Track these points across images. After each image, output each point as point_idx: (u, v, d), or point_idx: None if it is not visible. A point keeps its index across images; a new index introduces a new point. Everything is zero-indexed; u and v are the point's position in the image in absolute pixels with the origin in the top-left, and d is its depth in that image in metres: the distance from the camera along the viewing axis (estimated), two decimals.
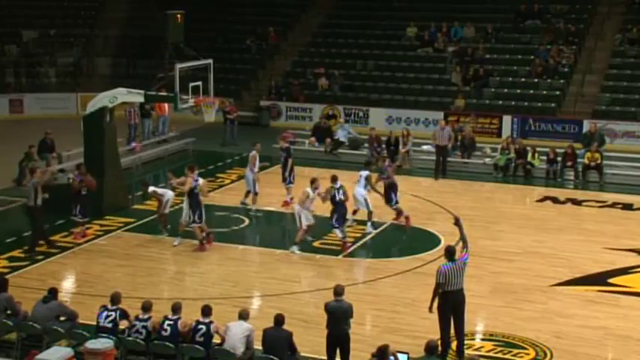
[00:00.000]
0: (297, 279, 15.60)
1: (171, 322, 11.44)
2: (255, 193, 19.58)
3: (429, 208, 20.38)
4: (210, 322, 11.40)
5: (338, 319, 11.28)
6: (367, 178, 18.43)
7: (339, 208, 17.01)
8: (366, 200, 18.17)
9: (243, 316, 11.47)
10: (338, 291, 11.46)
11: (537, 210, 20.69)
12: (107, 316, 11.63)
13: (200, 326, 11.36)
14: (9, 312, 12.28)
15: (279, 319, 11.20)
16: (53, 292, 12.33)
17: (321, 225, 19.06)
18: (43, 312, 12.02)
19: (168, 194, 18.08)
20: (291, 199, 19.69)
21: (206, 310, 11.50)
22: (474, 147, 25.18)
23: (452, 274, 11.81)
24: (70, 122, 25.34)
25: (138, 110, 26.23)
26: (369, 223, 18.22)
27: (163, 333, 11.39)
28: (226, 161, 25.35)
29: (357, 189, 18.30)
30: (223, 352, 11.16)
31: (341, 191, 17.07)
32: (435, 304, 11.97)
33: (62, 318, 12.16)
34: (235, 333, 11.25)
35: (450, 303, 11.89)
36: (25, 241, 17.51)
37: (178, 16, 20.41)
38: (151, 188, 18.28)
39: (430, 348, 10.17)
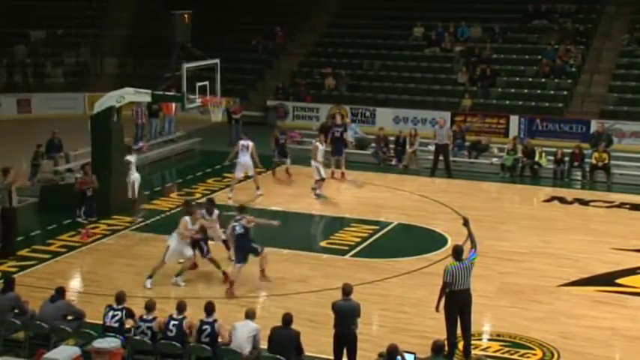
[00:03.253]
0: (304, 279, 15.59)
1: (177, 323, 11.44)
2: (322, 179, 21.04)
3: (436, 208, 20.36)
4: (215, 321, 11.39)
5: (345, 318, 11.26)
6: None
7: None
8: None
9: (250, 315, 11.46)
10: (346, 290, 11.43)
11: (544, 210, 20.66)
12: (113, 316, 11.65)
13: (205, 326, 11.35)
14: (16, 311, 12.33)
15: (287, 319, 11.18)
16: (60, 292, 12.37)
17: (327, 225, 19.15)
18: (50, 311, 12.05)
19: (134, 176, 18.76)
20: (342, 174, 22.76)
21: (209, 309, 11.48)
22: (485, 151, 25.08)
23: (459, 273, 11.80)
24: (77, 122, 25.39)
25: (145, 110, 26.28)
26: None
27: (169, 334, 11.39)
28: (233, 161, 25.33)
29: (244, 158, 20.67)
30: (230, 352, 11.16)
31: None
32: (442, 304, 11.96)
33: (69, 317, 12.20)
34: (242, 332, 11.26)
35: (456, 303, 11.88)
36: (34, 240, 17.60)
37: (185, 15, 20.44)
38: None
39: (437, 348, 10.16)
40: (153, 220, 19.17)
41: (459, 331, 12.03)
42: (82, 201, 17.76)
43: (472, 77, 30.17)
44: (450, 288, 11.85)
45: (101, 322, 11.81)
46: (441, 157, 23.67)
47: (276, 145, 23.74)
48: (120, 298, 11.84)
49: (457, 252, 12.03)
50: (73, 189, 18.15)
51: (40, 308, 12.29)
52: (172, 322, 11.44)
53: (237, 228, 14.76)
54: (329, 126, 23.55)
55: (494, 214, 20.05)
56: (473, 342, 12.31)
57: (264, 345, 11.30)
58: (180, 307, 11.63)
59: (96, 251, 17.12)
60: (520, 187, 23.04)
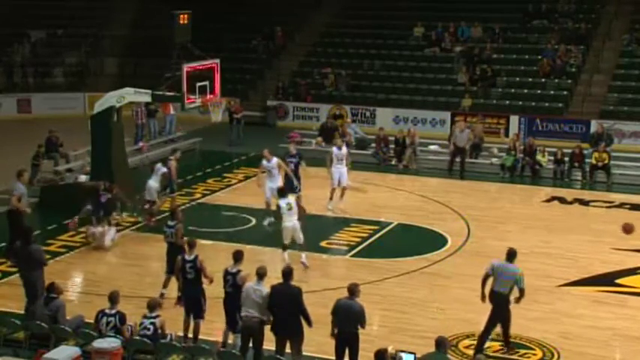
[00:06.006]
0: (304, 279, 15.57)
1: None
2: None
3: (436, 208, 20.37)
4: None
5: (343, 317, 11.14)
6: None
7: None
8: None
9: (261, 274, 11.48)
10: (351, 289, 11.31)
11: (545, 210, 20.65)
12: (107, 323, 11.54)
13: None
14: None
15: (285, 273, 11.32)
16: (52, 289, 12.27)
17: (328, 225, 19.14)
18: (41, 314, 12.03)
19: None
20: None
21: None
22: (480, 147, 25.11)
23: (499, 271, 12.08)
24: (77, 122, 25.40)
25: (145, 110, 26.29)
26: None
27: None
28: (233, 161, 25.39)
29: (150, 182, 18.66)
30: (228, 354, 11.17)
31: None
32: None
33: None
34: (249, 295, 11.35)
35: (491, 301, 12.06)
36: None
37: (185, 16, 20.45)
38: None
39: (437, 344, 10.12)
40: (153, 220, 19.14)
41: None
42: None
43: (472, 77, 30.17)
44: (492, 285, 12.06)
45: None
46: (457, 159, 23.68)
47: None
48: (114, 298, 11.74)
49: (509, 254, 12.31)
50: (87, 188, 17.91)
51: (36, 306, 12.32)
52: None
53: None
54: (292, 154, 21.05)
55: (494, 214, 20.07)
56: (473, 342, 12.33)
57: None
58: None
59: (96, 251, 17.11)
60: (520, 187, 23.04)
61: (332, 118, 28.78)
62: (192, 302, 12.40)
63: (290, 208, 15.81)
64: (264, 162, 18.49)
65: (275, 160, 18.31)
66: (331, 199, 19.67)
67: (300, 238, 15.91)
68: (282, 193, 16.19)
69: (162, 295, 13.81)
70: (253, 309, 11.30)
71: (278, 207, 16.14)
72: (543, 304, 14.35)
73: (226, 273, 11.96)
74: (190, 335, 12.42)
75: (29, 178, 21.51)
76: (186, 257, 12.52)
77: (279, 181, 18.19)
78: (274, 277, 15.36)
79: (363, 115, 29.86)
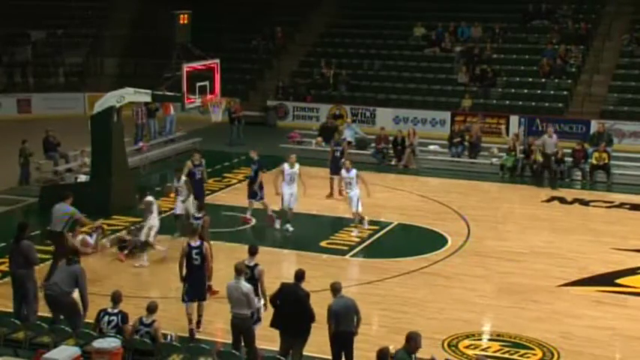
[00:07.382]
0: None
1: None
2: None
3: (436, 208, 20.37)
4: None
5: (344, 317, 11.07)
6: None
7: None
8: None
9: (238, 270, 11.56)
10: (337, 287, 11.31)
11: (545, 210, 20.65)
12: (109, 322, 11.54)
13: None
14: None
15: (297, 274, 11.39)
16: (77, 255, 12.81)
17: (328, 225, 19.14)
18: (64, 275, 12.29)
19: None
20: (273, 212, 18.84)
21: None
22: (478, 146, 25.11)
23: None
24: (77, 122, 25.38)
25: (145, 110, 26.28)
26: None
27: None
28: (233, 161, 25.37)
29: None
30: (228, 354, 11.18)
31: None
32: None
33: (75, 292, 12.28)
34: (232, 293, 11.42)
35: None
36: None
37: (185, 16, 20.44)
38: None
39: (406, 339, 9.79)
40: None
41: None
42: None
43: (472, 77, 30.17)
44: None
45: None
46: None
47: (332, 158, 21.46)
48: (116, 297, 11.73)
49: None
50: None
51: (55, 270, 12.61)
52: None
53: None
54: (329, 127, 21.42)
55: (494, 214, 20.07)
56: (473, 342, 12.31)
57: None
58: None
59: (96, 251, 17.09)
60: (520, 187, 23.04)
61: (332, 118, 28.76)
62: (198, 285, 12.64)
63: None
64: (287, 167, 18.24)
65: (297, 166, 18.29)
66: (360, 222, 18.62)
67: None
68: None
69: (209, 287, 13.75)
70: (239, 306, 11.39)
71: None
72: (543, 304, 14.36)
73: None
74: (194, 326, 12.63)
75: (20, 178, 21.61)
76: (192, 244, 12.71)
77: (296, 188, 18.26)
78: (274, 277, 15.45)
79: (363, 115, 29.86)
